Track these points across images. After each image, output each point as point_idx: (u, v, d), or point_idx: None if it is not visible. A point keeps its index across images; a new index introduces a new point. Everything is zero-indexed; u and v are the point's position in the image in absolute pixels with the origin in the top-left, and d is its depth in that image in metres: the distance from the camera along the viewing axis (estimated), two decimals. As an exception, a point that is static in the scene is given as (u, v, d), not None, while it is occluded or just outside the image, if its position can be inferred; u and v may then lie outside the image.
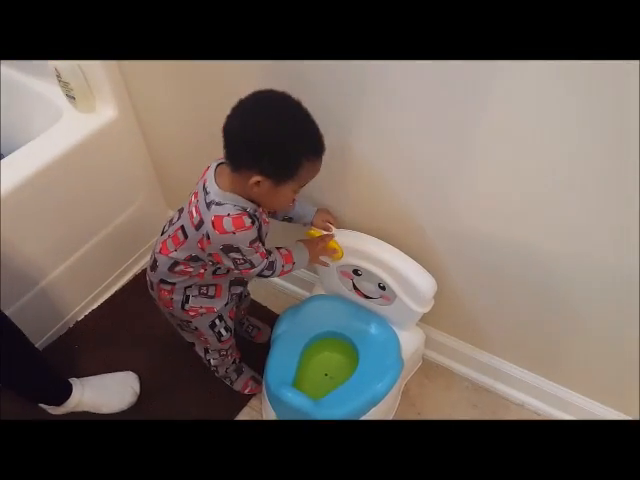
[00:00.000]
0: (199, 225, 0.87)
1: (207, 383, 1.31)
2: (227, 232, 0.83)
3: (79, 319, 1.45)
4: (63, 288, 1.35)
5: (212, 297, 1.03)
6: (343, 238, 1.07)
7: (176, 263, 0.95)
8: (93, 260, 1.39)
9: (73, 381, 1.20)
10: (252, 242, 0.87)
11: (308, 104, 0.80)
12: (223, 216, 0.82)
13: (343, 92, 0.91)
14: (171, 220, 0.97)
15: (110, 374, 1.28)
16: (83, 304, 1.45)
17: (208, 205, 0.84)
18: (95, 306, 1.48)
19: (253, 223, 0.85)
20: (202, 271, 0.96)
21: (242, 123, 0.78)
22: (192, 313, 1.03)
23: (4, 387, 1.08)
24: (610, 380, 1.12)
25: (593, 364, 1.12)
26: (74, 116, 1.21)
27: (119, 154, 1.31)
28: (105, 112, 1.22)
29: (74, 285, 1.39)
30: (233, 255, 0.87)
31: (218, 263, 0.92)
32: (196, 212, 0.87)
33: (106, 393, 1.23)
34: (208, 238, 0.85)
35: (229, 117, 0.79)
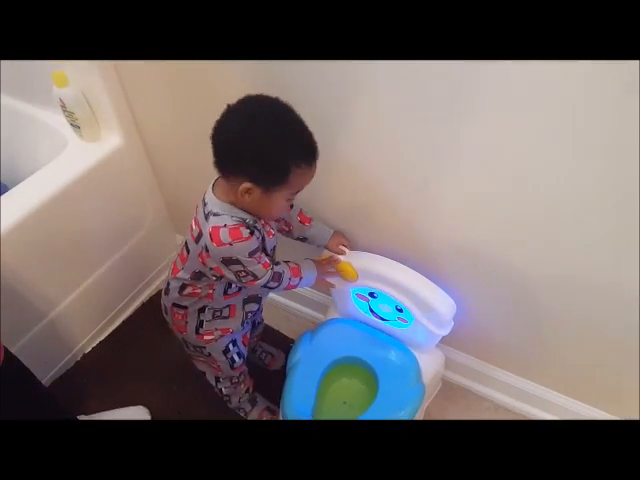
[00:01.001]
0: (198, 237, 0.85)
1: (220, 415, 1.27)
2: (224, 244, 0.80)
3: (86, 352, 1.42)
4: (70, 320, 1.32)
5: (226, 317, 1.00)
6: (358, 260, 1.04)
7: (184, 285, 0.94)
8: (100, 290, 1.36)
9: (82, 419, 1.16)
10: (252, 253, 0.83)
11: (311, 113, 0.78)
12: (220, 227, 0.80)
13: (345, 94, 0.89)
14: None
15: (120, 409, 1.24)
16: (90, 336, 1.42)
17: (206, 216, 0.83)
18: (103, 337, 1.45)
19: (252, 234, 0.82)
20: (210, 291, 0.94)
21: (228, 129, 0.76)
22: (207, 337, 1.01)
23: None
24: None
25: (619, 382, 1.08)
26: (79, 145, 1.20)
27: (126, 181, 1.30)
28: (111, 140, 1.21)
29: (81, 317, 1.36)
30: (234, 267, 0.84)
31: (222, 277, 0.89)
32: (195, 225, 0.86)
33: (117, 430, 1.18)
34: (207, 251, 0.83)
35: (217, 123, 0.77)
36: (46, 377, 1.32)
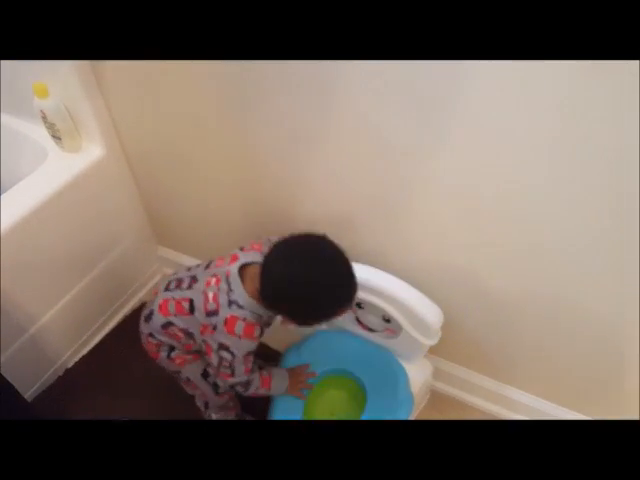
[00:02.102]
0: (211, 314, 0.85)
1: (207, 429, 1.25)
2: (235, 334, 0.83)
3: (69, 366, 1.39)
4: (52, 335, 1.29)
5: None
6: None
7: (171, 323, 0.93)
8: (82, 303, 1.34)
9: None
10: (248, 354, 0.87)
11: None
12: (239, 318, 0.82)
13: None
14: (180, 281, 0.94)
15: (103, 425, 1.21)
16: (73, 350, 1.39)
17: (230, 303, 0.83)
18: (85, 351, 1.42)
19: (260, 336, 0.86)
20: (191, 342, 0.95)
21: (277, 270, 0.78)
22: (178, 361, 1.00)
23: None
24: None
25: (609, 392, 1.09)
26: (60, 156, 1.17)
27: (107, 193, 1.27)
28: (92, 151, 1.18)
29: (63, 331, 1.33)
30: (224, 354, 0.86)
31: (206, 354, 0.90)
32: (213, 300, 0.85)
33: (100, 447, 1.15)
34: (214, 329, 0.85)
35: (265, 259, 0.79)
36: (28, 392, 1.29)
